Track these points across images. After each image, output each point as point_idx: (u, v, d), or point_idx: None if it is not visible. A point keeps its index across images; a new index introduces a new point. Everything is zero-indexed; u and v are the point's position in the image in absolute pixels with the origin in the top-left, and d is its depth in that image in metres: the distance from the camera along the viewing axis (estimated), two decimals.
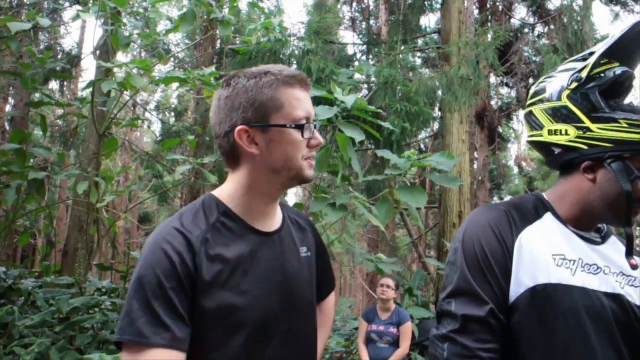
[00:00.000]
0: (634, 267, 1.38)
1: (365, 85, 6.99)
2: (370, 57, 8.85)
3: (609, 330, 1.36)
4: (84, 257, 5.40)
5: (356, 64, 7.46)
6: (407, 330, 5.51)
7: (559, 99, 1.45)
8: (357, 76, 6.45)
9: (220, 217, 1.38)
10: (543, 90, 1.49)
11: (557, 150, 1.45)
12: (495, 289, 1.37)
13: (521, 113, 16.39)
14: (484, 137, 14.62)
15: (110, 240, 6.01)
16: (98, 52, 7.14)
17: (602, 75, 1.41)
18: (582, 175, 1.43)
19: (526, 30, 14.23)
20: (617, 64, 1.42)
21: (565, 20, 10.27)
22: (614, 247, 1.49)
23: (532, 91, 1.53)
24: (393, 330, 5.51)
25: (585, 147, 1.40)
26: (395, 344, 5.48)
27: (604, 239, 1.48)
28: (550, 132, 1.45)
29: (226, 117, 1.38)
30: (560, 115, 1.44)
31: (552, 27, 12.08)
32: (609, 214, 1.40)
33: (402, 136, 6.07)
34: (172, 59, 15.94)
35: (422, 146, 15.47)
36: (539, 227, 1.44)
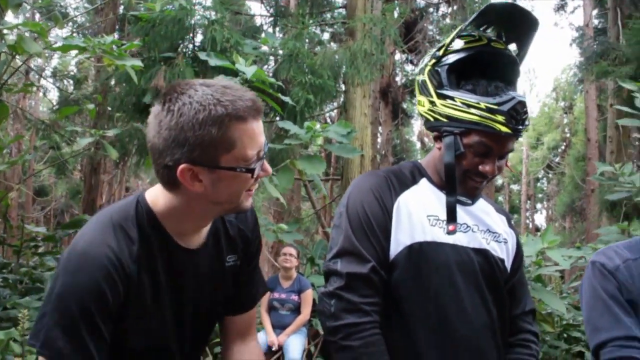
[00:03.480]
0: (452, 232, 1.52)
1: (272, 57, 7.01)
2: (277, 29, 8.85)
3: (475, 280, 1.54)
4: None
5: (263, 35, 7.45)
6: (308, 297, 5.69)
7: (423, 73, 1.58)
8: (264, 48, 6.46)
9: (150, 231, 1.32)
10: (419, 65, 1.63)
11: (423, 119, 1.60)
12: (376, 248, 1.50)
13: None
14: (387, 113, 15.03)
15: (1, 213, 5.74)
16: None
17: (452, 55, 1.53)
18: (437, 144, 1.58)
19: (431, 9, 14.68)
20: (481, 43, 1.53)
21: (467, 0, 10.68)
22: (482, 208, 1.66)
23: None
24: (294, 297, 5.67)
25: (432, 119, 1.54)
26: (297, 310, 5.64)
27: (474, 201, 1.64)
28: (418, 102, 1.59)
29: (168, 150, 1.22)
30: (421, 88, 1.57)
31: (454, 7, 12.51)
32: (445, 178, 1.54)
33: (307, 108, 6.17)
34: (71, 23, 15.13)
35: (328, 119, 15.68)
36: (415, 191, 1.59)
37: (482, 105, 1.44)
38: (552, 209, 26.83)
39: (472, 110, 1.45)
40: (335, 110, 13.81)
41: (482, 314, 1.54)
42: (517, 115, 1.43)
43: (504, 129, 1.43)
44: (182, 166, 1.20)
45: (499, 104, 1.42)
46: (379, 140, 15.24)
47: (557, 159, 25.94)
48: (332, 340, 1.46)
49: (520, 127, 1.44)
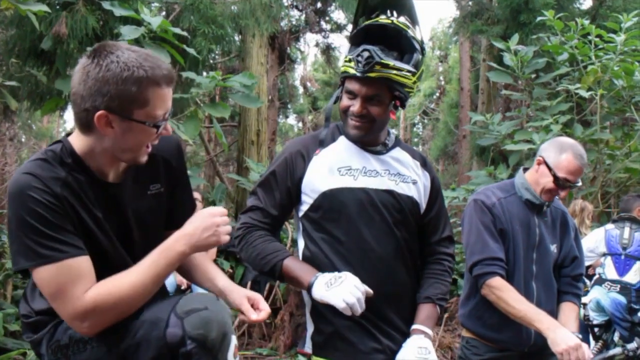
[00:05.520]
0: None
1: (173, 6, 6.99)
2: None
3: (381, 214, 1.98)
4: None
5: None
6: None
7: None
8: None
9: (75, 167, 1.55)
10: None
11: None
12: (274, 196, 2.01)
13: (308, 35, 17.19)
14: (274, 58, 15.18)
15: None
16: None
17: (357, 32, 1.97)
18: None
19: None
20: (371, 21, 1.96)
21: None
22: (393, 156, 2.08)
23: None
24: None
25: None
26: None
27: (388, 151, 2.06)
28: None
29: (90, 96, 1.46)
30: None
31: None
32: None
33: (207, 58, 6.35)
34: None
35: (218, 67, 15.56)
36: (332, 148, 2.02)
37: (347, 58, 1.91)
38: (427, 153, 28.48)
39: (343, 64, 1.93)
40: (223, 61, 13.76)
41: (390, 240, 1.98)
42: (361, 60, 1.85)
43: (351, 71, 1.88)
44: (100, 112, 1.46)
45: (352, 54, 1.89)
46: (266, 85, 15.38)
47: (432, 106, 27.34)
48: (236, 252, 1.93)
49: (365, 69, 1.84)
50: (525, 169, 2.60)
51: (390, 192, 2.00)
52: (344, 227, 1.93)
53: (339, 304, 1.72)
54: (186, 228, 1.58)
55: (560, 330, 2.18)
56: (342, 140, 2.02)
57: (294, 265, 1.89)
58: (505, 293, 2.30)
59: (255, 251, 1.91)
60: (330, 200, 1.93)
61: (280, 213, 2.01)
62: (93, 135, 1.53)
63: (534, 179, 2.49)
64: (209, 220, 1.58)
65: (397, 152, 2.09)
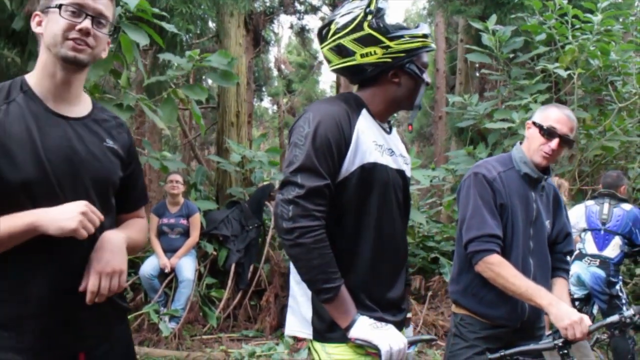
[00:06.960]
0: (410, 131, 2.02)
1: None
2: None
3: (396, 195, 1.98)
4: None
5: None
6: (196, 221, 5.96)
7: (362, 29, 1.90)
8: None
9: (19, 94, 1.62)
10: (345, 26, 1.91)
11: (369, 68, 1.92)
12: (331, 169, 1.83)
13: (282, 17, 17.03)
14: (249, 40, 15.02)
15: None
16: None
17: (380, 6, 1.91)
18: (388, 81, 1.95)
19: None
20: None
21: None
22: (395, 136, 2.08)
23: (333, 27, 1.94)
24: (183, 221, 5.91)
25: (390, 60, 1.90)
26: (186, 234, 5.89)
27: (390, 130, 2.05)
28: (362, 55, 1.90)
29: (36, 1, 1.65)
30: (366, 41, 1.89)
31: None
32: (407, 101, 1.98)
33: (183, 40, 6.24)
34: None
35: (193, 49, 15.38)
36: (363, 118, 1.92)
37: (419, 33, 1.91)
38: (402, 135, 28.56)
39: (416, 39, 1.90)
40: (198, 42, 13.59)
41: (399, 220, 2.00)
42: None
43: (433, 45, 1.97)
44: (35, 13, 1.65)
45: (424, 30, 1.93)
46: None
47: None
48: (288, 239, 1.79)
49: None
50: (522, 143, 2.59)
51: (401, 173, 2.00)
52: (369, 205, 1.89)
53: (384, 346, 1.73)
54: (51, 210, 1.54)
55: (562, 306, 2.19)
56: (365, 113, 1.95)
57: (346, 296, 1.81)
58: (503, 269, 2.30)
59: (317, 260, 1.77)
60: (368, 173, 1.87)
61: (335, 186, 1.86)
62: (40, 47, 1.65)
63: (527, 147, 2.51)
64: (79, 207, 1.54)
65: (395, 133, 2.09)
